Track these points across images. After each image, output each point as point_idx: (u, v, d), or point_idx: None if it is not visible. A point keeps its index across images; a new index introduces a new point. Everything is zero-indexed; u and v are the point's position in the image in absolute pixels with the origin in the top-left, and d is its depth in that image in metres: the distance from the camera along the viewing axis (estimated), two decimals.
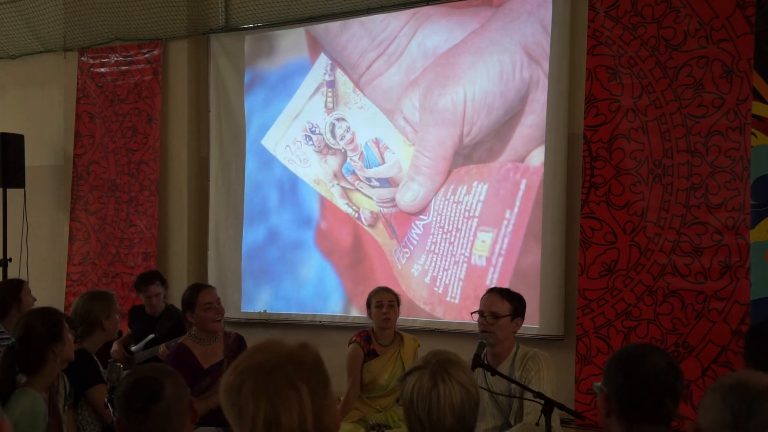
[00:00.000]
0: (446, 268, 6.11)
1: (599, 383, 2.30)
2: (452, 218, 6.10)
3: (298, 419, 1.64)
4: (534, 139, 5.75)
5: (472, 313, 3.91)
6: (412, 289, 6.26)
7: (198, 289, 4.57)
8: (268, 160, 7.01)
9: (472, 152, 6.04)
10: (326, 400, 1.69)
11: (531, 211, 5.73)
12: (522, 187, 5.79)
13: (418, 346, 4.93)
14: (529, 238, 5.73)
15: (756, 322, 4.35)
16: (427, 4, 6.22)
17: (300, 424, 1.63)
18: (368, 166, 6.52)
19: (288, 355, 1.69)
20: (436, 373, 2.28)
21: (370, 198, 6.50)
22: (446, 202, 6.12)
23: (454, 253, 6.08)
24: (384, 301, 4.81)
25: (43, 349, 3.40)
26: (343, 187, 6.64)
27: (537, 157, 5.73)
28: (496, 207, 5.90)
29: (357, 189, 6.56)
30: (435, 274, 6.16)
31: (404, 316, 6.16)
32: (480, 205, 5.98)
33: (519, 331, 3.90)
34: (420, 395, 2.27)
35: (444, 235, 6.13)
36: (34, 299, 5.06)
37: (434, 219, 6.18)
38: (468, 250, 6.02)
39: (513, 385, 3.63)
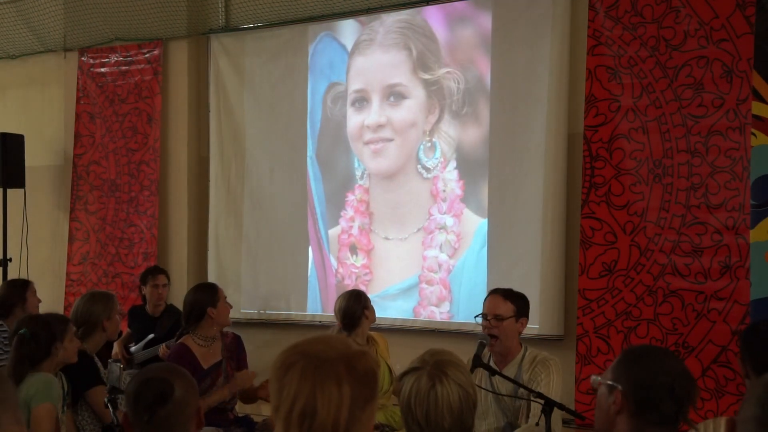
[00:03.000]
0: (447, 268, 6.10)
1: (601, 378, 2.26)
2: (455, 215, 6.09)
3: (333, 418, 1.65)
4: (537, 136, 5.72)
5: (475, 317, 3.89)
6: (412, 290, 6.25)
7: (214, 285, 4.73)
8: (270, 160, 7.00)
9: (474, 149, 6.03)
10: (363, 413, 1.69)
11: (533, 211, 5.71)
12: (525, 185, 5.78)
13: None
14: (531, 237, 5.72)
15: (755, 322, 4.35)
16: (427, 4, 6.22)
17: (333, 424, 1.64)
18: (371, 163, 6.49)
19: (344, 355, 1.71)
20: (433, 375, 2.28)
21: (372, 197, 6.49)
22: (446, 201, 6.12)
23: (454, 253, 6.07)
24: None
25: (49, 342, 3.50)
26: (344, 187, 6.63)
27: (539, 155, 5.72)
28: (498, 206, 5.90)
29: (360, 188, 6.55)
30: (435, 275, 6.15)
31: (404, 317, 6.19)
32: (483, 201, 5.97)
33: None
34: (418, 397, 2.26)
35: (444, 235, 6.12)
36: (39, 300, 5.07)
37: (434, 218, 6.17)
38: (469, 249, 6.01)
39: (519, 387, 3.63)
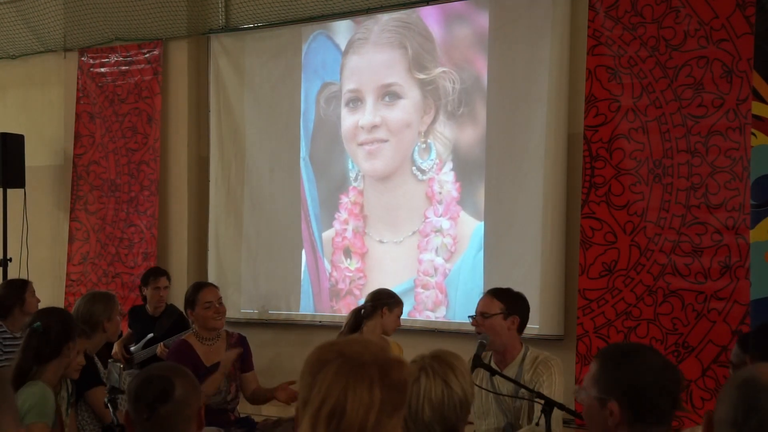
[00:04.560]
0: (443, 272, 6.09)
1: (584, 392, 2.18)
2: (452, 217, 6.09)
3: (360, 420, 1.65)
4: (536, 136, 5.72)
5: (469, 317, 3.89)
6: (408, 294, 6.22)
7: (200, 287, 4.70)
8: (270, 160, 6.99)
9: (470, 150, 6.03)
10: (390, 420, 1.69)
11: (532, 211, 5.71)
12: (524, 186, 5.78)
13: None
14: (531, 238, 5.72)
15: (756, 322, 4.34)
16: (427, 4, 6.22)
17: (360, 426, 1.65)
18: (366, 165, 6.48)
19: (380, 361, 1.71)
20: (422, 368, 2.35)
21: (367, 200, 6.48)
22: (442, 204, 6.12)
23: (454, 253, 6.07)
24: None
25: (61, 340, 3.47)
26: (338, 189, 6.62)
27: (538, 156, 5.71)
28: (496, 207, 5.89)
29: (354, 190, 6.55)
30: (431, 279, 6.14)
31: (404, 317, 6.18)
32: (481, 203, 5.97)
33: None
34: None
35: (440, 238, 6.11)
36: (38, 300, 5.07)
37: (430, 221, 6.17)
38: (465, 252, 6.00)
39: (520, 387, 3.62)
